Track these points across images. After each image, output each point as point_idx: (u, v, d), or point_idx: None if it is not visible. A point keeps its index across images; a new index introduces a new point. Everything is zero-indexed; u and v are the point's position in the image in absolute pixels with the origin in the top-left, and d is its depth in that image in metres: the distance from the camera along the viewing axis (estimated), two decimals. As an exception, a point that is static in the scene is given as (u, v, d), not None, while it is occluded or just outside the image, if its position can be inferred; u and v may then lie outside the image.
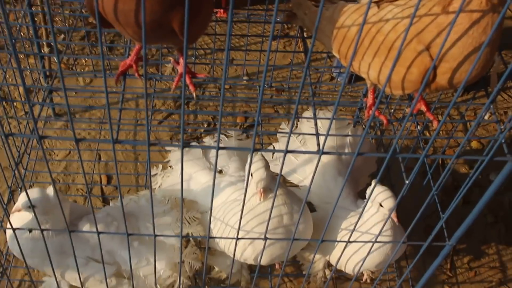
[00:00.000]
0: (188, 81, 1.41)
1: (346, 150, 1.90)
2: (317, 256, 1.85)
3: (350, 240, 1.55)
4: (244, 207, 1.55)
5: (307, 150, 1.87)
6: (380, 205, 1.57)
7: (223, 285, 1.79)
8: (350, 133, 1.94)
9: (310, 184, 1.15)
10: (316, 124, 1.35)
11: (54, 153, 2.42)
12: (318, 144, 1.08)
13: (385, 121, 1.44)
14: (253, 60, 2.73)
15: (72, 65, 2.72)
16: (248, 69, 2.75)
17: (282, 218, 1.55)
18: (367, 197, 1.61)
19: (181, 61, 1.44)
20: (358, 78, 2.57)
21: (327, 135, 1.05)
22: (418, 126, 1.87)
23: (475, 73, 1.17)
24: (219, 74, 2.75)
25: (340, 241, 1.46)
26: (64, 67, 2.69)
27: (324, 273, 1.88)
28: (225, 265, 1.81)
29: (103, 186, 2.31)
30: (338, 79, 2.77)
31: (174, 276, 1.66)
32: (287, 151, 1.08)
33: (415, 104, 1.51)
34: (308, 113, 2.01)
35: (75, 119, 2.50)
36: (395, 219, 1.57)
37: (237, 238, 1.38)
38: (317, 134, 1.13)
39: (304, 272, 1.92)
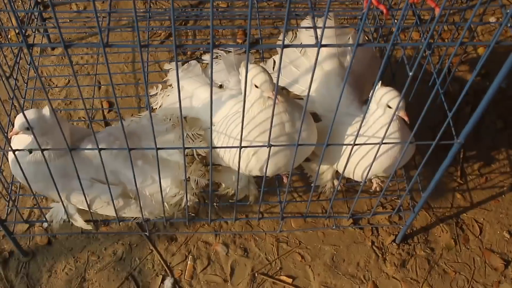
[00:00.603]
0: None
1: (348, 57, 1.84)
2: (325, 166, 1.83)
3: (356, 143, 1.53)
4: (245, 117, 1.52)
5: (306, 44, 1.83)
6: (388, 106, 1.53)
7: (231, 201, 1.78)
8: (350, 40, 1.87)
9: (310, 83, 1.11)
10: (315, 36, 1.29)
11: (53, 83, 2.38)
12: (316, 37, 1.03)
13: (384, 11, 1.38)
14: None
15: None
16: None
17: (283, 126, 1.52)
18: (369, 98, 1.57)
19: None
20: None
21: (324, 27, 1.00)
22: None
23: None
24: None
25: (346, 144, 1.43)
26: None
27: (333, 184, 1.86)
28: (231, 181, 1.79)
29: (104, 112, 2.28)
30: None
31: (181, 193, 1.65)
32: (284, 46, 1.04)
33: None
34: (307, 23, 1.94)
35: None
36: (406, 118, 1.52)
37: (241, 147, 1.35)
38: (314, 27, 1.08)
39: (312, 185, 1.91)
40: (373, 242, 2.02)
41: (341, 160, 1.68)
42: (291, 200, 2.07)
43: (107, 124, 2.22)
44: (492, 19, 2.58)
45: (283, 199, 1.80)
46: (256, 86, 1.46)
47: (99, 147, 1.38)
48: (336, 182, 1.85)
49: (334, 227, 1.93)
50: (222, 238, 2.01)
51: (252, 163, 1.56)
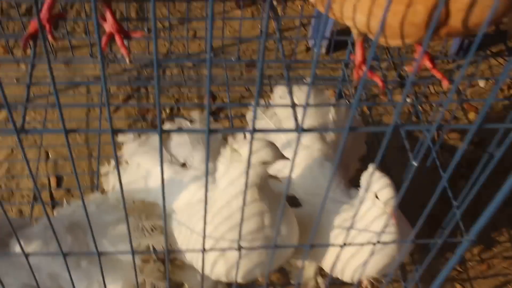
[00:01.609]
0: (119, 42, 1.11)
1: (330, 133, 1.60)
2: (307, 262, 1.56)
3: (346, 241, 1.28)
4: (214, 207, 1.26)
5: (283, 128, 1.58)
6: (376, 196, 1.28)
7: (197, 305, 1.50)
8: (332, 111, 1.63)
9: (291, 169, 0.86)
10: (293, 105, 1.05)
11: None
12: (296, 119, 0.78)
13: (380, 84, 1.14)
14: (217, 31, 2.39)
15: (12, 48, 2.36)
16: (213, 43, 2.42)
17: (262, 219, 1.25)
18: (361, 185, 1.32)
19: (108, 16, 1.12)
20: (338, 46, 2.27)
21: (306, 105, 0.75)
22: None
23: (502, 9, 0.87)
24: (180, 50, 2.42)
25: (333, 245, 1.17)
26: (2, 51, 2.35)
27: (316, 282, 1.59)
28: (196, 281, 1.51)
29: (52, 190, 1.98)
30: (316, 50, 2.46)
31: (135, 301, 1.36)
32: (254, 130, 0.78)
33: (420, 58, 1.22)
34: (282, 90, 1.70)
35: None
36: (392, 218, 1.28)
37: (204, 250, 1.08)
38: (293, 106, 0.83)
39: (292, 282, 1.63)
40: None
41: (327, 258, 1.42)
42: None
43: (54, 206, 1.92)
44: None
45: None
46: (263, 163, 1.20)
47: (33, 245, 1.10)
48: (320, 280, 1.58)
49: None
50: None
51: (219, 267, 1.29)
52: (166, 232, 1.02)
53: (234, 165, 1.23)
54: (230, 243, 1.24)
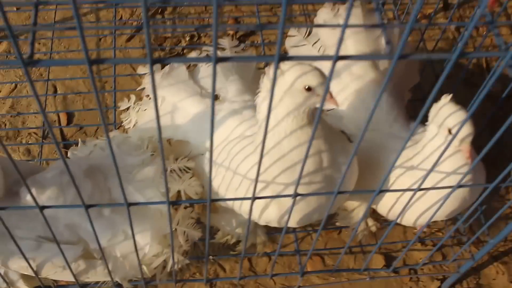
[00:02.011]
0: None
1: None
2: (356, 202, 1.38)
3: (414, 185, 1.09)
4: (259, 147, 1.06)
5: (315, 55, 1.36)
6: (449, 131, 1.08)
7: (233, 253, 1.32)
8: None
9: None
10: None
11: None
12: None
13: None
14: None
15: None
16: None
17: (320, 159, 1.05)
18: (430, 119, 1.12)
19: None
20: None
21: (345, 25, 0.55)
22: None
23: None
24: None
25: (407, 190, 0.98)
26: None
27: (366, 224, 1.41)
28: (232, 226, 1.33)
29: (63, 127, 1.78)
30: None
31: (165, 252, 1.18)
32: (281, 58, 0.59)
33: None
34: (327, 12, 1.47)
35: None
36: (467, 154, 1.08)
37: (254, 198, 0.88)
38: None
39: (337, 224, 1.45)
40: (412, 290, 1.58)
41: (384, 200, 1.23)
42: (305, 237, 1.60)
43: (66, 146, 1.71)
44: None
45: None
46: (307, 89, 0.99)
47: (47, 193, 0.91)
48: (371, 222, 1.40)
49: (368, 279, 1.47)
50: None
51: (272, 212, 1.10)
52: (211, 180, 0.83)
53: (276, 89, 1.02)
54: (283, 187, 1.05)
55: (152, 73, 0.61)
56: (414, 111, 1.60)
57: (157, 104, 0.63)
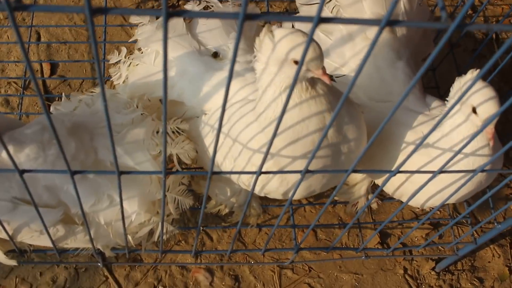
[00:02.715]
0: None
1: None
2: (358, 176, 1.29)
3: (429, 164, 1.01)
4: (265, 115, 0.96)
5: (364, 19, 1.25)
6: (474, 110, 0.99)
7: (225, 224, 1.23)
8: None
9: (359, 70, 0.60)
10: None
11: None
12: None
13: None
14: None
15: None
16: None
17: (328, 133, 0.95)
18: (452, 94, 1.03)
19: None
20: None
21: None
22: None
23: None
24: None
25: (427, 172, 0.88)
26: None
27: (367, 199, 1.33)
28: (226, 195, 1.23)
29: (45, 79, 1.65)
30: None
31: (153, 221, 1.08)
32: (319, 20, 0.48)
33: None
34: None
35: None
36: (490, 136, 0.99)
37: (259, 173, 0.79)
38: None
39: (336, 199, 1.36)
40: (405, 270, 1.52)
41: (393, 179, 1.14)
42: (298, 209, 1.52)
43: (48, 100, 1.59)
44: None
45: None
46: (296, 62, 0.89)
47: (25, 151, 0.81)
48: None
49: (364, 257, 1.39)
50: (205, 261, 1.46)
51: (273, 184, 1.01)
52: (215, 152, 0.72)
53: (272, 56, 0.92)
54: (288, 160, 0.95)
55: (166, 30, 0.50)
56: (425, 82, 1.51)
57: (167, 69, 0.52)
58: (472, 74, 0.99)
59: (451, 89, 1.03)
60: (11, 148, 1.00)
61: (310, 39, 0.52)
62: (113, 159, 0.71)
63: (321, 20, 0.51)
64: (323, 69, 0.90)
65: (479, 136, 1.01)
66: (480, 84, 0.98)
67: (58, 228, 1.06)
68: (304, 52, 0.54)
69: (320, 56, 0.88)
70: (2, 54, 1.68)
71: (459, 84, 1.01)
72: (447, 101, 1.05)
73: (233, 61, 0.56)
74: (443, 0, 0.61)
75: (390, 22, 0.53)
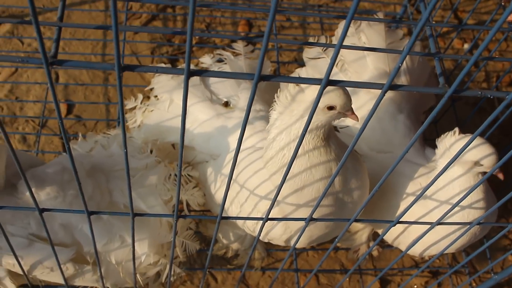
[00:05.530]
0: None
1: (402, 77, 1.34)
2: (361, 224, 1.34)
3: (426, 216, 1.06)
4: (274, 162, 1.02)
5: (365, 82, 1.32)
6: (479, 164, 1.04)
7: (230, 267, 1.27)
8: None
9: (365, 124, 0.63)
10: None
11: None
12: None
13: None
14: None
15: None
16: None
17: (333, 183, 1.01)
18: (443, 148, 1.08)
19: None
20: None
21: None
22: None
23: None
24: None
25: (426, 223, 0.93)
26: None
27: (368, 247, 1.37)
28: (230, 239, 1.28)
29: (63, 119, 1.71)
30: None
31: (162, 263, 1.13)
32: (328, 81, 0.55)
33: None
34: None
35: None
36: (501, 176, 1.05)
37: (266, 219, 0.84)
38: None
39: (338, 245, 1.41)
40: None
41: (393, 229, 1.18)
42: (301, 253, 1.56)
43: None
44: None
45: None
46: (331, 108, 0.94)
47: (46, 190, 0.86)
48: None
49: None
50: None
51: (277, 231, 1.06)
52: (225, 199, 0.78)
53: (293, 107, 0.98)
54: (292, 208, 1.00)
55: (186, 87, 0.56)
56: (427, 134, 1.56)
57: (185, 123, 0.58)
58: (454, 135, 1.05)
59: (436, 150, 1.09)
60: (33, 186, 1.05)
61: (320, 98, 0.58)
62: (129, 202, 0.77)
63: (329, 82, 0.58)
64: (352, 109, 0.96)
65: (479, 189, 1.07)
66: (477, 141, 1.04)
67: (68, 267, 1.11)
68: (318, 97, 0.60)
69: (350, 99, 0.95)
70: (21, 93, 1.75)
71: (446, 143, 1.06)
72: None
73: (247, 115, 0.62)
74: (442, 67, 0.67)
75: (392, 86, 0.60)
